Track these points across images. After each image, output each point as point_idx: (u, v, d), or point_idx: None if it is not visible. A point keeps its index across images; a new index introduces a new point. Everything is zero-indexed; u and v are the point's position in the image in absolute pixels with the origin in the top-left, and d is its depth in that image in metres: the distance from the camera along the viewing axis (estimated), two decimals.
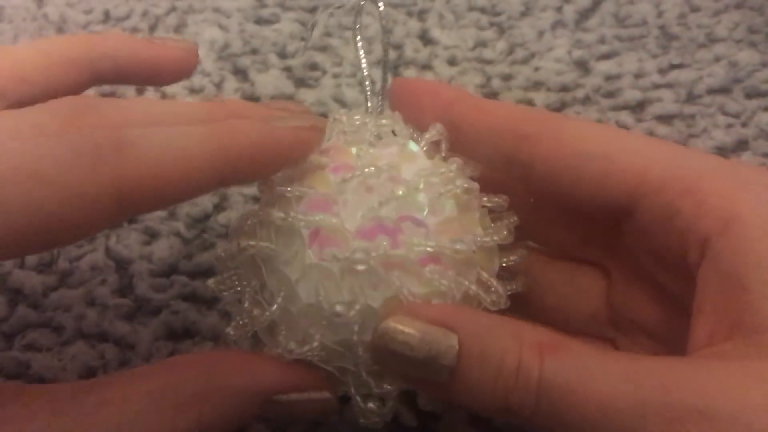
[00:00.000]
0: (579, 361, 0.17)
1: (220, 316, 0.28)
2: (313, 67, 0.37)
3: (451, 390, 0.19)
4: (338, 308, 0.20)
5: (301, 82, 0.37)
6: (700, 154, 0.22)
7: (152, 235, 0.31)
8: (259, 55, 0.38)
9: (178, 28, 0.39)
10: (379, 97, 0.24)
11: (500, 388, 0.18)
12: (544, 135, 0.21)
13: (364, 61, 0.24)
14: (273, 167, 0.21)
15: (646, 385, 0.17)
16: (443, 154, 0.23)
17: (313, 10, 0.40)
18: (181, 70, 0.25)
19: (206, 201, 0.31)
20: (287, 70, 0.37)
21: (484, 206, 0.22)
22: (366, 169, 0.21)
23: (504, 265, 0.22)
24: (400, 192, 0.21)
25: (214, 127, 0.19)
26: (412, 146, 0.23)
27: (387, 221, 0.20)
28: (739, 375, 0.17)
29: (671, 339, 0.21)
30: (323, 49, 0.38)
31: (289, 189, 0.21)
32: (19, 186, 0.17)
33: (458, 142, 0.23)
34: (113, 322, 0.28)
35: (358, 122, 0.23)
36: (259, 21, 0.40)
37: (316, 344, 0.20)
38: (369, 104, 0.24)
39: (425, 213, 0.21)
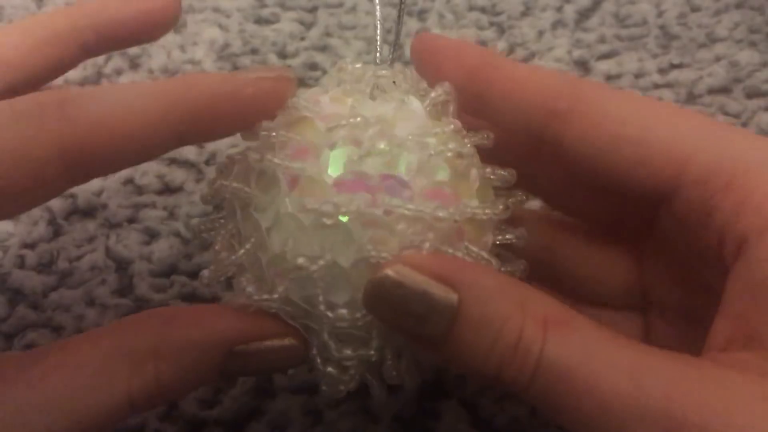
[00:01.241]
0: (585, 344, 0.16)
1: None
2: (313, 67, 0.37)
3: (443, 349, 0.18)
4: (300, 261, 0.19)
5: (301, 82, 0.36)
6: (749, 140, 0.19)
7: (152, 235, 0.31)
8: (259, 55, 0.38)
9: (178, 28, 0.39)
10: (392, 48, 0.22)
11: (495, 358, 0.17)
12: (576, 113, 0.20)
13: (377, 2, 0.22)
14: (237, 121, 0.20)
15: (650, 389, 0.16)
16: (450, 117, 0.21)
17: (313, 10, 0.40)
18: (167, 19, 0.24)
19: None
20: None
21: (487, 178, 0.21)
22: (352, 119, 0.19)
23: (498, 243, 0.21)
24: (382, 146, 0.19)
25: (168, 81, 0.19)
26: (415, 104, 0.21)
27: (370, 178, 0.19)
28: (747, 395, 0.16)
29: (701, 322, 0.20)
30: (323, 49, 0.38)
31: (274, 134, 0.20)
32: None
33: (482, 111, 0.21)
34: (113, 322, 0.28)
35: (358, 71, 0.22)
36: (259, 21, 0.39)
37: (276, 295, 0.19)
38: (378, 52, 0.22)
39: (411, 174, 0.19)
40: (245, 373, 0.20)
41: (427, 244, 0.19)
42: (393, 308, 0.18)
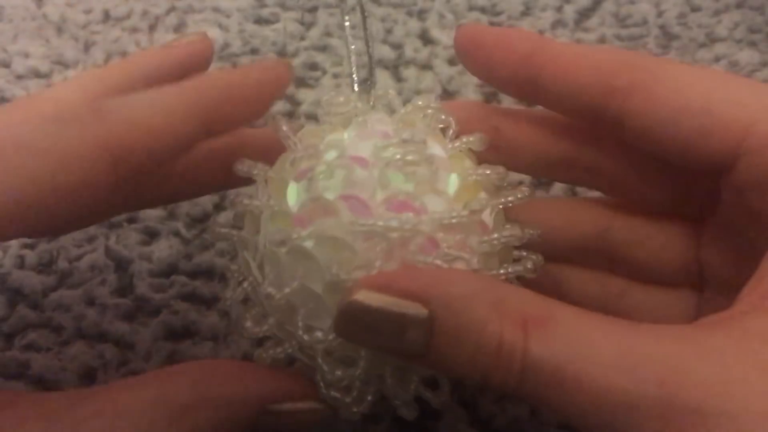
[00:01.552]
0: (569, 339, 0.16)
1: (220, 316, 0.28)
2: (313, 67, 0.37)
3: (426, 362, 0.17)
4: (268, 290, 0.19)
5: (301, 82, 0.37)
6: None
7: (152, 235, 0.31)
8: (259, 55, 0.38)
9: (178, 28, 0.39)
10: (369, 73, 0.22)
11: (479, 366, 0.17)
12: (636, 88, 0.19)
13: (350, 35, 0.23)
14: (251, 106, 0.21)
15: (642, 376, 0.15)
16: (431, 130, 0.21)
17: (313, 10, 0.40)
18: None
19: (206, 201, 0.31)
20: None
21: (470, 180, 0.20)
22: (308, 150, 0.20)
23: (499, 242, 0.20)
24: (322, 168, 0.20)
25: (185, 82, 0.20)
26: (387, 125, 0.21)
27: (328, 202, 0.19)
28: (746, 368, 0.15)
29: None
30: (323, 49, 0.38)
31: (255, 172, 0.21)
32: (8, 158, 0.17)
33: (539, 97, 0.21)
34: (113, 322, 0.28)
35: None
36: (259, 21, 0.39)
37: (266, 327, 0.20)
38: (355, 77, 0.22)
39: (370, 190, 0.19)
40: (274, 429, 0.21)
41: (390, 263, 0.19)
42: (367, 332, 0.17)
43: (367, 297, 0.17)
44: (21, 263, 0.30)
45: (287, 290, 0.19)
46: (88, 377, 0.27)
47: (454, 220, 0.19)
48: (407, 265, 0.19)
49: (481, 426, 0.25)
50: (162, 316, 0.28)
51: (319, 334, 0.20)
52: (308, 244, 0.19)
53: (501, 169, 0.21)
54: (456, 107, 0.23)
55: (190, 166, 0.23)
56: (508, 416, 0.25)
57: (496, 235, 0.20)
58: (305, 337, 0.19)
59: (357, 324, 0.17)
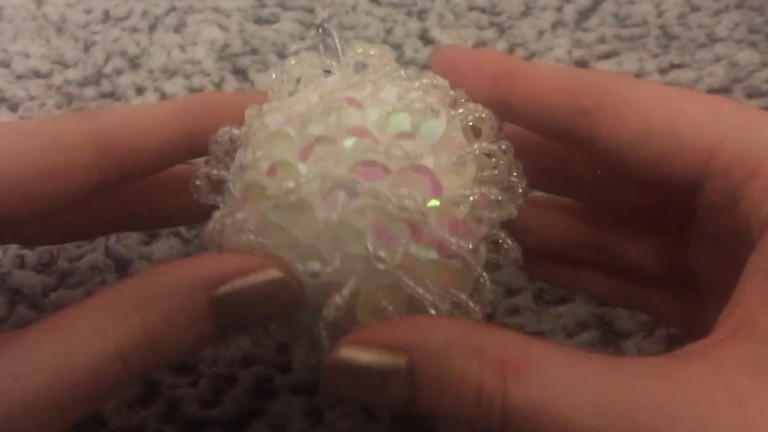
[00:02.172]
0: (546, 383, 0.16)
1: None
2: None
3: (413, 408, 0.18)
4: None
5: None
6: None
7: (152, 235, 0.31)
8: (259, 55, 0.38)
9: (178, 28, 0.39)
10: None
11: (462, 413, 0.17)
12: (602, 109, 0.20)
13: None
14: (230, 120, 0.22)
15: (617, 418, 0.16)
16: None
17: (312, 10, 0.40)
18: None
19: None
20: None
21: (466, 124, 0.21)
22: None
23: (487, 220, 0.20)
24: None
25: (170, 100, 0.24)
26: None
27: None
28: (719, 399, 0.15)
29: None
30: (323, 48, 0.38)
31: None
32: (5, 137, 0.19)
33: (510, 117, 0.21)
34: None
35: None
36: (259, 21, 0.39)
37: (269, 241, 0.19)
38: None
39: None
40: (240, 322, 0.19)
41: (390, 308, 0.19)
42: (352, 384, 0.18)
43: (349, 353, 0.18)
44: (21, 263, 0.30)
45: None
46: None
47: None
48: (386, 319, 0.19)
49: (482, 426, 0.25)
50: None
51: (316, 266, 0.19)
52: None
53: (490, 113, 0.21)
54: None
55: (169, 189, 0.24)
56: None
57: (470, 149, 0.20)
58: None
59: (343, 380, 0.18)
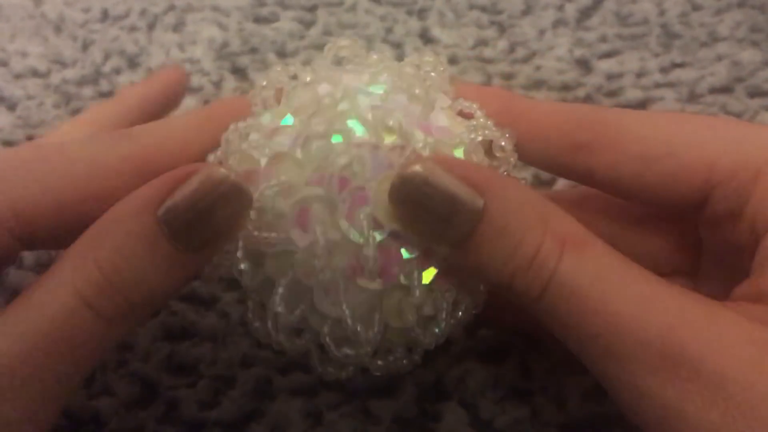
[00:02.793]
0: (598, 267, 0.17)
1: (219, 316, 0.28)
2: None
3: (460, 250, 0.18)
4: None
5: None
6: None
7: None
8: (258, 54, 0.37)
9: (177, 27, 0.39)
10: None
11: (510, 267, 0.18)
12: (600, 142, 0.20)
13: None
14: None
15: (655, 317, 0.17)
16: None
17: (312, 9, 0.40)
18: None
19: None
20: None
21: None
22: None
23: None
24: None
25: (193, 110, 0.25)
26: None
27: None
28: (743, 336, 0.16)
29: None
30: (323, 48, 0.38)
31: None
32: (51, 162, 0.20)
33: (518, 151, 0.22)
34: None
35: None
36: (258, 19, 0.39)
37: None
38: None
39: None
40: (196, 234, 0.18)
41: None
42: (418, 205, 0.18)
43: (429, 170, 0.18)
44: (19, 263, 0.29)
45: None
46: (87, 378, 0.27)
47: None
48: (470, 161, 0.20)
49: (482, 426, 0.25)
50: (161, 316, 0.28)
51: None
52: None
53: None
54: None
55: None
56: (509, 417, 0.25)
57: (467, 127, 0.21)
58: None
59: (411, 195, 0.18)
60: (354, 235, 0.19)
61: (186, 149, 0.22)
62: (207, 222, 0.18)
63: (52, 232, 0.20)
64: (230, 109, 0.23)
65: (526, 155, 0.22)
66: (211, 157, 0.22)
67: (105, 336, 0.18)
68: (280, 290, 0.20)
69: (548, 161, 0.22)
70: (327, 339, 0.20)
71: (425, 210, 0.18)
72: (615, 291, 0.17)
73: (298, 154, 0.20)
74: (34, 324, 0.17)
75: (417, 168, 0.18)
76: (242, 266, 0.20)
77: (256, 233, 0.19)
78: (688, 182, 0.20)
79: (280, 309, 0.20)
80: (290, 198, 0.19)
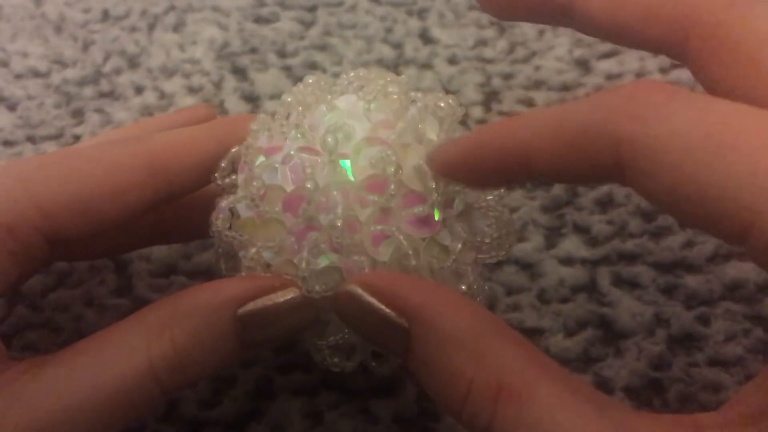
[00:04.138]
0: (535, 424, 0.15)
1: None
2: (313, 66, 0.37)
3: (406, 363, 0.18)
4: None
5: (300, 81, 0.36)
6: None
7: None
8: (259, 54, 0.38)
9: (177, 27, 0.39)
10: None
11: (446, 403, 0.17)
12: (627, 168, 0.16)
13: None
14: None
15: None
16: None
17: (312, 9, 0.40)
18: None
19: None
20: (287, 69, 0.37)
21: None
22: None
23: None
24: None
25: (206, 123, 0.25)
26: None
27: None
28: None
29: None
30: (323, 48, 0.38)
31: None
32: (70, 162, 0.21)
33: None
34: (112, 322, 0.28)
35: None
36: (259, 20, 0.39)
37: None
38: None
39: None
40: (263, 338, 0.20)
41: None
42: (358, 319, 0.19)
43: (355, 292, 0.19)
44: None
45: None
46: None
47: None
48: (403, 274, 0.20)
49: None
50: None
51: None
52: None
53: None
54: None
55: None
56: None
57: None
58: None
59: (351, 309, 0.19)
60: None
61: (192, 151, 0.23)
62: (274, 332, 0.21)
63: (76, 230, 0.21)
64: (236, 122, 0.24)
65: (549, 177, 0.18)
66: (222, 165, 0.23)
67: (154, 403, 0.20)
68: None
69: (578, 181, 0.20)
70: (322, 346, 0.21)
71: (363, 321, 0.19)
72: None
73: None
74: (103, 383, 0.18)
75: (347, 288, 0.19)
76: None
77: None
78: (730, 227, 0.16)
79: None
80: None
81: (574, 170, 0.17)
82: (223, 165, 0.23)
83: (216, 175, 0.23)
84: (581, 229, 0.30)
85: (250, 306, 0.20)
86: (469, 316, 0.17)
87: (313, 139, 0.21)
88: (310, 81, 0.24)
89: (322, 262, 0.20)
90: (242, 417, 0.26)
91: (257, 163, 0.22)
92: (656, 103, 0.16)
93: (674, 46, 0.20)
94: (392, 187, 0.20)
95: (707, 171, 0.15)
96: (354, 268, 0.20)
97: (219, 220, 0.22)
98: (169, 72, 0.37)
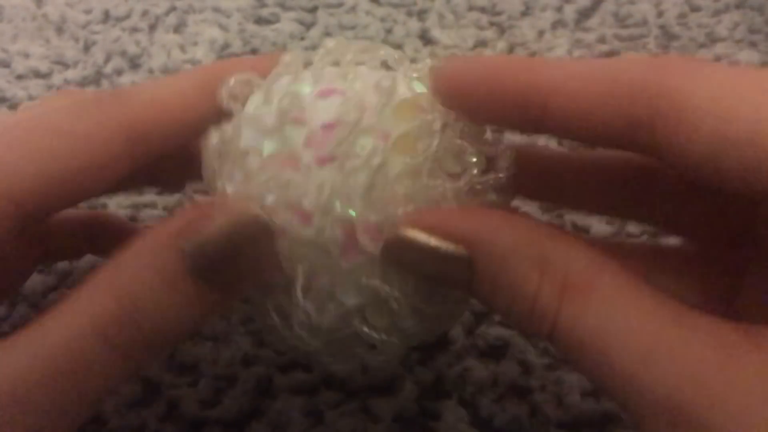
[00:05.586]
0: (602, 315, 0.16)
1: (220, 316, 0.28)
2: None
3: (471, 292, 0.18)
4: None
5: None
6: None
7: None
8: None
9: (178, 28, 0.39)
10: None
11: (513, 314, 0.17)
12: (663, 119, 0.16)
13: None
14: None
15: (663, 374, 0.15)
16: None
17: (313, 10, 0.40)
18: None
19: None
20: None
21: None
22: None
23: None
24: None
25: (200, 66, 0.22)
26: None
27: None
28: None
29: None
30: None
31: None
32: (40, 140, 0.19)
33: (549, 131, 0.18)
34: None
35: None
36: (259, 21, 0.39)
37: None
38: None
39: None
40: (221, 274, 0.18)
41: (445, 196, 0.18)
42: (413, 263, 0.18)
43: (410, 236, 0.17)
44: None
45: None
46: None
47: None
48: (454, 207, 0.19)
49: (482, 426, 0.25)
50: None
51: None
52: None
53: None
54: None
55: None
56: (509, 415, 0.25)
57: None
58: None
59: (401, 260, 0.18)
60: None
61: (178, 111, 0.21)
62: (233, 262, 0.18)
63: (49, 209, 0.20)
64: (232, 68, 0.21)
65: (567, 137, 0.18)
66: (214, 136, 0.20)
67: (117, 369, 0.17)
68: (299, 291, 0.19)
69: (593, 137, 0.17)
70: (364, 328, 0.19)
71: (421, 262, 0.18)
72: (617, 346, 0.15)
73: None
74: (43, 350, 0.16)
75: (401, 234, 0.18)
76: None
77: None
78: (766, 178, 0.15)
79: (308, 309, 0.19)
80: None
81: (595, 124, 0.16)
82: (232, 83, 0.20)
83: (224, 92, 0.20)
84: (581, 229, 0.30)
85: (195, 238, 0.17)
86: (525, 227, 0.17)
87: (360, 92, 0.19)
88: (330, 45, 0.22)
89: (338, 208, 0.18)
90: (243, 416, 0.26)
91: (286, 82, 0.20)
92: (698, 64, 0.16)
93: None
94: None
95: (753, 103, 0.15)
96: (371, 227, 0.18)
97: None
98: (170, 72, 0.37)
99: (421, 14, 0.39)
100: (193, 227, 0.17)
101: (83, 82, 0.37)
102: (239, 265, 0.18)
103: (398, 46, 0.38)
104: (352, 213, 0.18)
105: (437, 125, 0.19)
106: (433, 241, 0.17)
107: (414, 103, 0.19)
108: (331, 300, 0.19)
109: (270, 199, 0.19)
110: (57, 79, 0.37)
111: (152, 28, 0.39)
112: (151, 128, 0.20)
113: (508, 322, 0.18)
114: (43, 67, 0.37)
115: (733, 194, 0.16)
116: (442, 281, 0.18)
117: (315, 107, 0.19)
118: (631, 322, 0.16)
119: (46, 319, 0.17)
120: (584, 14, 0.39)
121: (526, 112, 0.17)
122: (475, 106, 0.18)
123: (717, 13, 0.39)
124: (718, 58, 0.37)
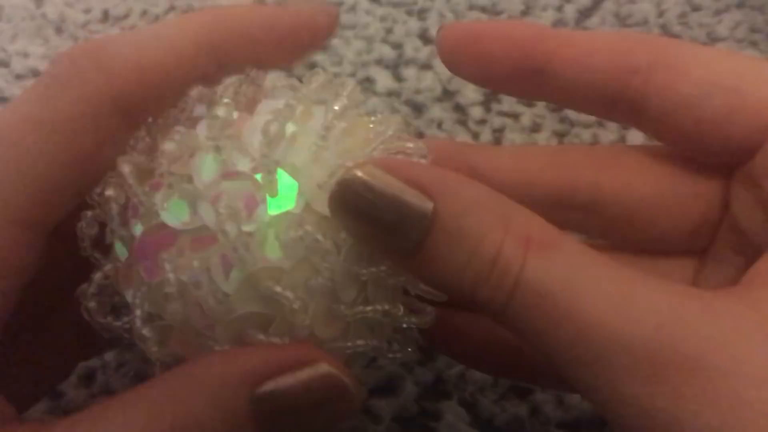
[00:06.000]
0: (569, 267, 0.15)
1: None
2: (313, 66, 0.37)
3: (413, 261, 0.16)
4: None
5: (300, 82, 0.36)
6: None
7: None
8: None
9: None
10: None
11: (470, 275, 0.16)
12: (659, 66, 0.18)
13: None
14: (276, 49, 0.20)
15: (639, 318, 0.14)
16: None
17: None
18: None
19: None
20: (286, 69, 0.37)
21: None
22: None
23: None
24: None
25: (198, 14, 0.19)
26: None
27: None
28: (753, 330, 0.14)
29: None
30: (323, 48, 0.38)
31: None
32: (21, 138, 0.17)
33: (545, 88, 0.19)
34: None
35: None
36: None
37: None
38: None
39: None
40: (286, 427, 0.16)
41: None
42: (360, 213, 0.16)
43: (371, 174, 0.16)
44: None
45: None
46: (88, 378, 0.27)
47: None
48: (416, 161, 0.18)
49: (482, 426, 0.25)
50: None
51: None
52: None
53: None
54: (429, 146, 0.20)
55: None
56: (509, 415, 0.25)
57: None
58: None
59: (352, 203, 0.16)
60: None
61: (170, 69, 0.18)
62: (301, 421, 0.16)
63: (143, 94, 0.18)
64: (248, 22, 0.20)
65: (563, 89, 0.19)
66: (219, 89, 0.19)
67: None
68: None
69: (592, 90, 0.19)
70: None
71: (370, 218, 0.16)
72: (589, 293, 0.15)
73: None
74: None
75: (356, 172, 0.16)
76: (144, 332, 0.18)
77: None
78: (748, 123, 0.18)
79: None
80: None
81: (594, 72, 0.18)
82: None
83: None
84: None
85: (270, 387, 0.16)
86: (487, 188, 0.17)
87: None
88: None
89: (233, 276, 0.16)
90: None
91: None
92: (694, 44, 0.19)
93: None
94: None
95: (740, 63, 0.18)
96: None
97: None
98: None
99: (421, 14, 0.39)
100: (269, 372, 0.16)
101: None
102: (306, 423, 0.17)
103: (398, 46, 0.38)
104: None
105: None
106: (393, 185, 0.16)
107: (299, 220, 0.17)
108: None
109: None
110: None
111: None
112: (141, 92, 0.18)
113: (455, 295, 0.16)
114: (42, 66, 0.37)
115: (706, 148, 0.18)
116: (388, 243, 0.16)
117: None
118: (601, 270, 0.15)
119: (99, 420, 0.16)
120: (584, 14, 0.39)
121: (530, 57, 0.18)
122: (482, 58, 0.19)
123: (718, 12, 0.39)
124: None
